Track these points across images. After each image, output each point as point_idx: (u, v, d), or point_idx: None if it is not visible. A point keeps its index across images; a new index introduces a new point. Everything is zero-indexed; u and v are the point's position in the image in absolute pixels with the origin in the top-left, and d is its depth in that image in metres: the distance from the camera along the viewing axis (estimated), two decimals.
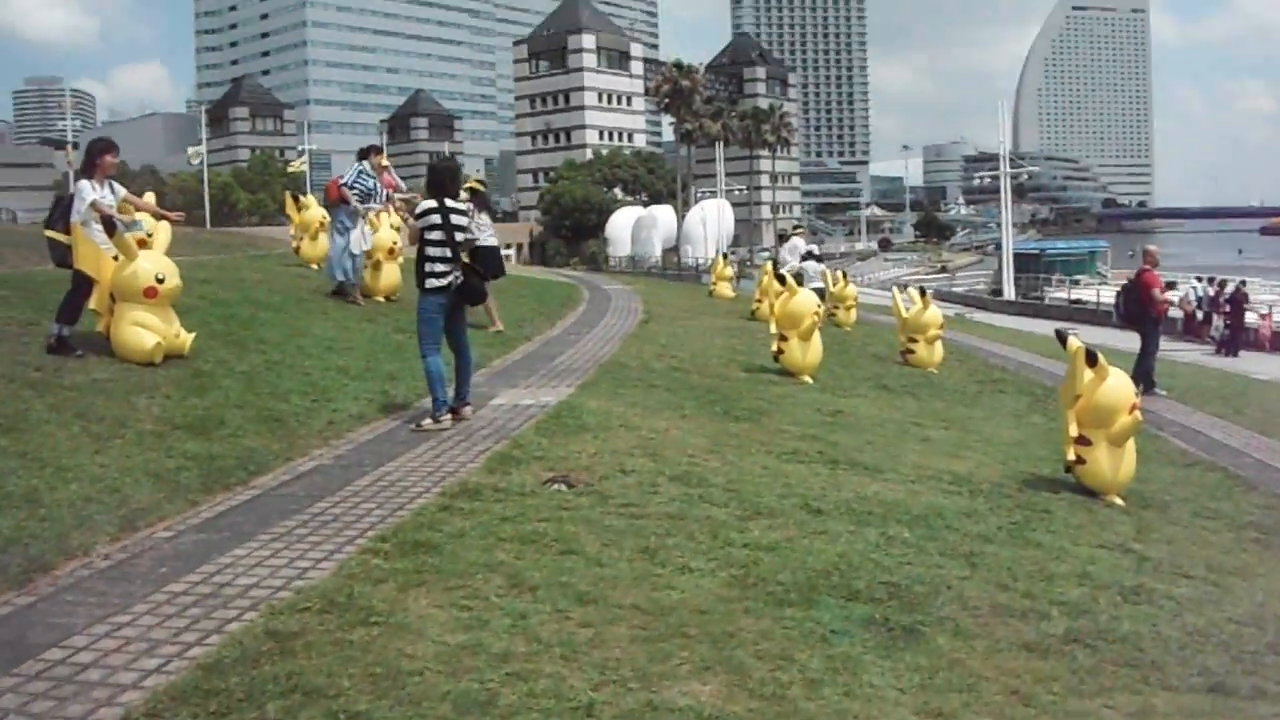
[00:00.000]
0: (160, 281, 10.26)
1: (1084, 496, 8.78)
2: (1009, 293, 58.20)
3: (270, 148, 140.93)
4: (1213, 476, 10.55)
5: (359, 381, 10.74)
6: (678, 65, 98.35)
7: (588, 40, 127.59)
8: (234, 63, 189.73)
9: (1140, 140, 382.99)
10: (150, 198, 14.68)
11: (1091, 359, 8.74)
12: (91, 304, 10.38)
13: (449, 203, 9.35)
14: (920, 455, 9.73)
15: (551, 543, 6.05)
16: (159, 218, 11.61)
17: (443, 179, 9.54)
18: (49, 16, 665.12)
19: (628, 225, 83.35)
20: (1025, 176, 75.51)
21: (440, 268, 9.19)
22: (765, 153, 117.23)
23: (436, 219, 9.22)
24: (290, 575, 5.52)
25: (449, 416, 9.30)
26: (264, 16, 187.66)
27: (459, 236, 9.29)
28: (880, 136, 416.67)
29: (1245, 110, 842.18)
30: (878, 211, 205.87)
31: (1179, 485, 9.92)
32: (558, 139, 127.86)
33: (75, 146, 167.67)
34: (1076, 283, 57.00)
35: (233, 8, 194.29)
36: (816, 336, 13.90)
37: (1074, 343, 9.02)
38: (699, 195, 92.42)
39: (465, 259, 9.40)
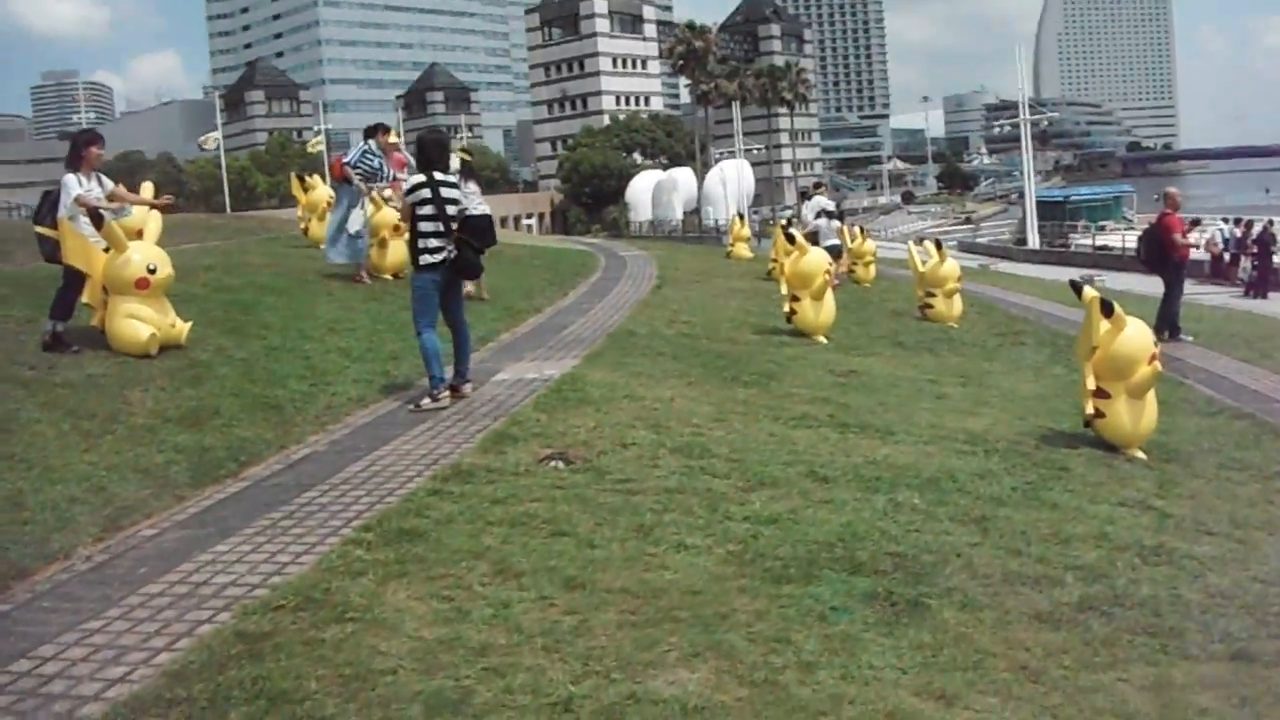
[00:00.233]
0: (152, 272, 10.08)
1: (1104, 451, 8.49)
2: (1033, 241, 57.50)
3: (287, 129, 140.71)
4: (1239, 425, 10.20)
5: (360, 363, 10.55)
6: (690, 26, 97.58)
7: (599, 5, 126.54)
8: (247, 46, 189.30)
9: (1163, 81, 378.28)
10: (147, 188, 14.52)
11: (1107, 309, 8.43)
12: (84, 298, 10.21)
13: (439, 176, 9.11)
14: (935, 414, 9.46)
15: (542, 525, 5.86)
16: (152, 208, 11.37)
17: (431, 152, 9.30)
18: (60, 10, 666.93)
19: (648, 189, 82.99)
20: (1045, 123, 74.51)
21: (434, 243, 8.98)
22: (783, 111, 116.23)
23: (427, 193, 8.99)
24: (269, 571, 5.35)
25: (447, 394, 9.10)
26: None
27: (451, 210, 9.06)
28: (900, 89, 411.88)
29: (1270, 46, 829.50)
30: (899, 165, 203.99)
31: (1204, 435, 9.61)
32: (574, 106, 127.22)
33: None
34: (1102, 229, 56.29)
35: None
36: (829, 295, 13.62)
37: (1089, 292, 8.70)
38: (718, 156, 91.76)
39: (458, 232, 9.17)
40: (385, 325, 12.61)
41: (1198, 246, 23.42)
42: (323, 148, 78.50)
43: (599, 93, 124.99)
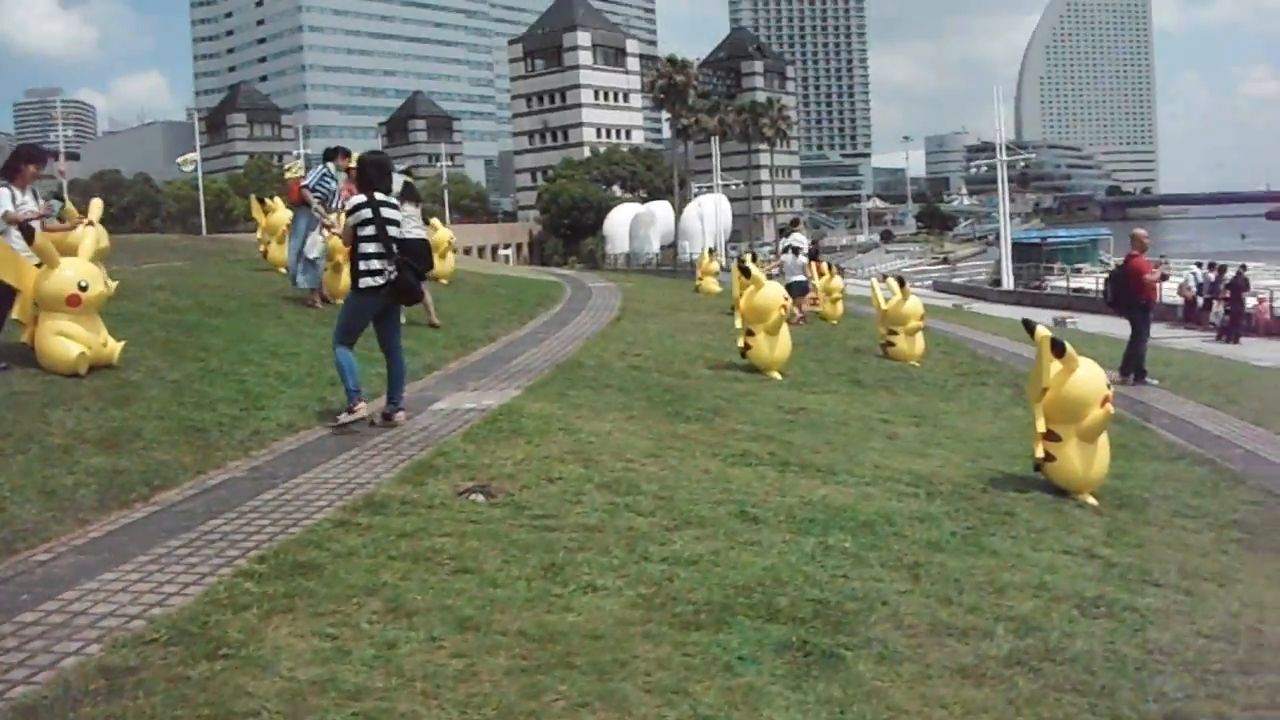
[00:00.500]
0: (83, 289, 9.75)
1: (1054, 496, 8.21)
2: (1008, 282, 57.60)
3: (268, 153, 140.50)
4: (1198, 471, 10.00)
5: (297, 388, 10.23)
6: (671, 60, 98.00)
7: (583, 38, 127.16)
8: (231, 69, 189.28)
9: (1144, 127, 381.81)
10: (96, 205, 14.22)
11: (1059, 349, 8.17)
12: (14, 314, 9.89)
13: (380, 197, 8.87)
14: (881, 455, 9.17)
15: (447, 560, 5.55)
16: (71, 228, 11.13)
17: (371, 173, 9.08)
18: (48, 28, 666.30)
19: (625, 222, 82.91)
20: (1022, 164, 74.81)
21: (375, 264, 8.74)
22: (764, 147, 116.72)
23: (368, 213, 8.77)
24: (151, 602, 5.02)
25: (363, 405, 8.91)
26: (260, 22, 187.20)
27: (393, 231, 8.81)
28: (883, 128, 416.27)
29: (1250, 94, 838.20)
30: (879, 203, 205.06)
31: (1160, 481, 9.37)
32: (555, 138, 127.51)
33: (76, 158, 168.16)
34: (1078, 271, 56.43)
35: (229, 14, 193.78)
36: (785, 331, 13.35)
37: (1041, 331, 8.43)
38: (697, 191, 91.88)
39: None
40: (330, 351, 12.26)
41: (1165, 277, 23.25)
42: (301, 173, 78.31)
43: (580, 125, 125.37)
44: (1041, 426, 8.30)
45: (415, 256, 13.91)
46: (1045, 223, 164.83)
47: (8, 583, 5.41)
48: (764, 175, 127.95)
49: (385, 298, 8.82)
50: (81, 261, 10.17)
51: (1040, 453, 8.32)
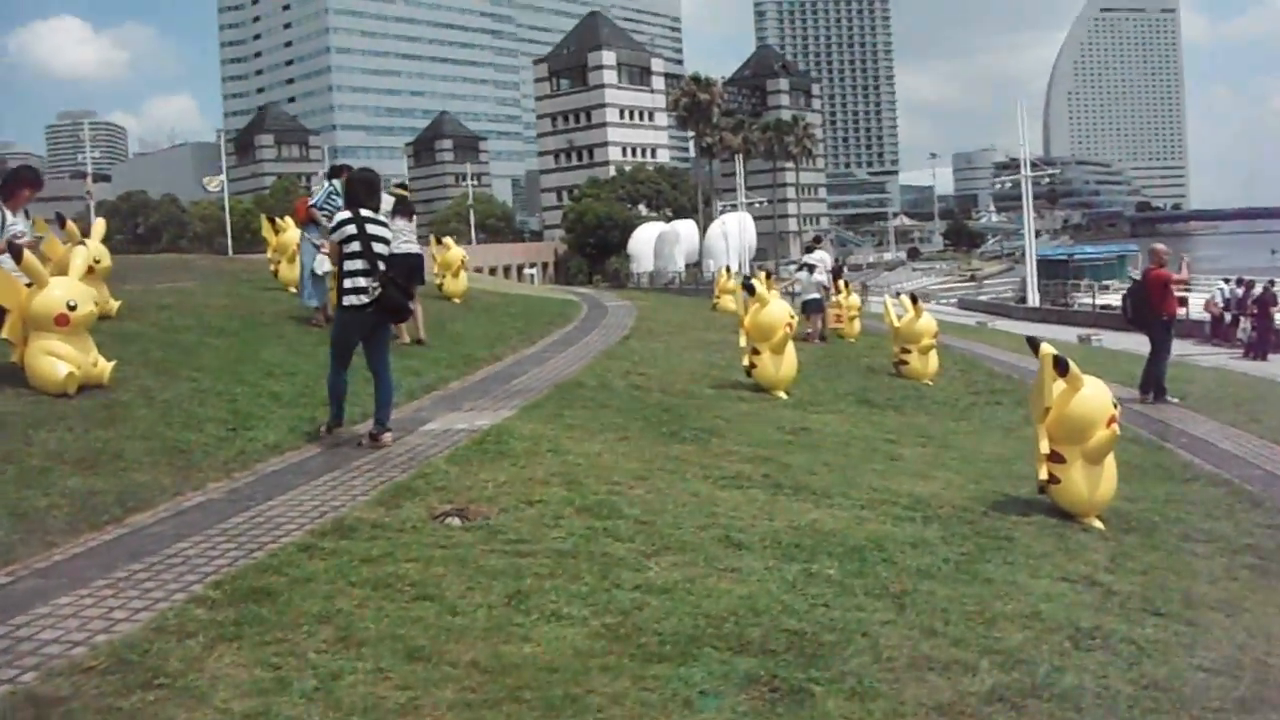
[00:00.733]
0: (72, 309, 9.64)
1: (1058, 520, 7.90)
2: (1033, 299, 57.05)
3: (295, 174, 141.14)
4: (1214, 492, 9.66)
5: (289, 408, 10.06)
6: (695, 79, 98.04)
7: (608, 57, 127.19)
8: (260, 91, 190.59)
9: (1173, 142, 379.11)
10: (99, 225, 14.17)
11: (1062, 367, 7.87)
12: (4, 333, 9.78)
13: (365, 213, 8.72)
14: (881, 476, 8.89)
15: (408, 587, 5.35)
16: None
17: (358, 190, 8.95)
18: (80, 52, 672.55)
19: (650, 241, 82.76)
20: (1047, 180, 74.32)
21: (361, 282, 8.62)
22: (790, 165, 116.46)
23: (352, 229, 8.65)
24: (99, 628, 4.85)
25: (336, 430, 8.99)
26: (288, 44, 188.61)
27: (378, 248, 8.66)
28: (910, 146, 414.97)
29: None
30: (906, 221, 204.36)
31: (1172, 503, 9.03)
32: (580, 157, 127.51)
33: (107, 179, 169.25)
34: (1105, 288, 55.79)
35: (257, 36, 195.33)
36: (790, 349, 13.09)
37: (1045, 349, 8.13)
38: (722, 209, 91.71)
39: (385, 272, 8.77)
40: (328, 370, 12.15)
41: (1187, 283, 22.75)
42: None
43: (605, 144, 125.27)
44: (1045, 447, 8.01)
45: (406, 272, 13.88)
46: (1074, 239, 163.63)
47: None
48: (790, 193, 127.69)
49: (372, 315, 8.67)
50: (71, 281, 10.07)
51: (1044, 475, 8.03)
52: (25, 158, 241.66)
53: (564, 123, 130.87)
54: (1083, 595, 6.11)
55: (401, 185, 15.76)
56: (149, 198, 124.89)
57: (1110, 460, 8.12)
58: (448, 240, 22.04)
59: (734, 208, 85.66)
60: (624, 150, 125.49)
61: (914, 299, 16.72)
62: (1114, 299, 48.73)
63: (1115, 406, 8.05)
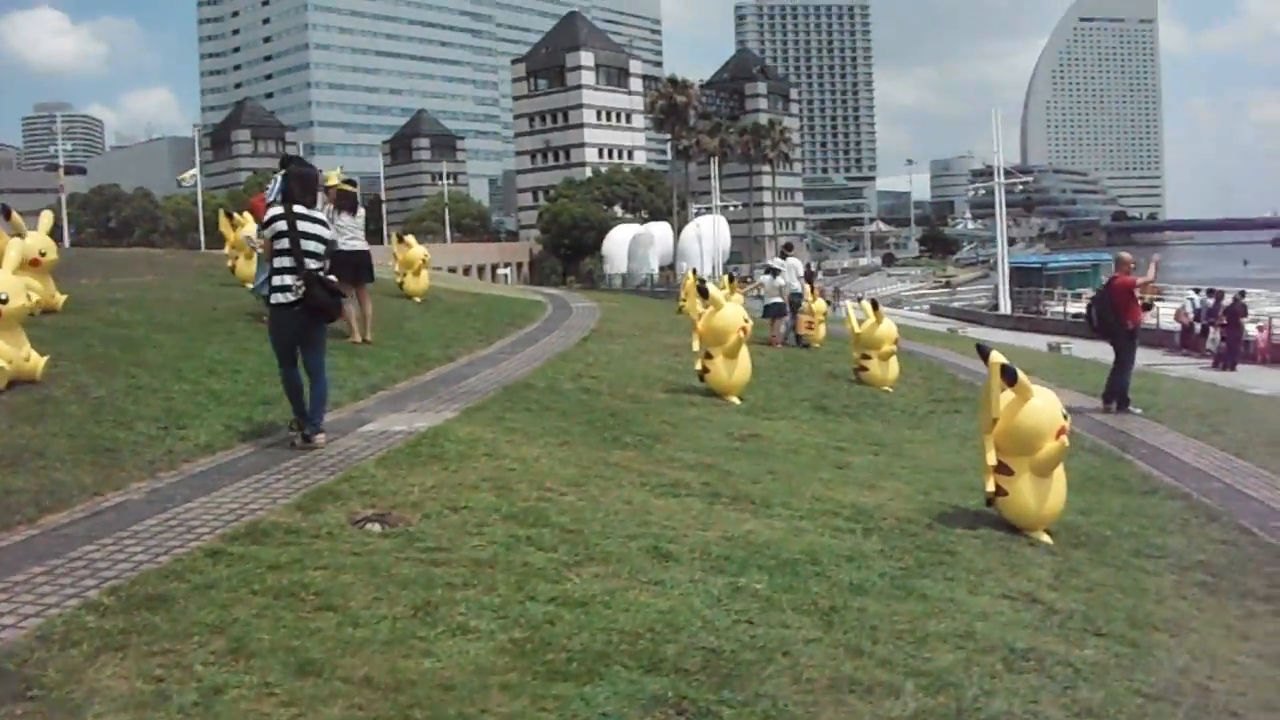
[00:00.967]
0: (3, 302, 9.36)
1: (1006, 534, 7.68)
2: (1005, 307, 57.09)
3: (271, 170, 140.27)
4: (1171, 506, 9.44)
5: (228, 407, 9.78)
6: (672, 81, 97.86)
7: (586, 58, 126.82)
8: (238, 86, 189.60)
9: (1150, 152, 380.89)
10: (46, 217, 13.83)
11: (1010, 376, 7.66)
12: None
13: (298, 210, 8.45)
14: (827, 486, 8.66)
15: (312, 596, 5.10)
16: None
17: (292, 185, 8.68)
18: (58, 43, 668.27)
19: (624, 242, 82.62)
20: (1020, 188, 74.34)
21: (287, 280, 8.35)
22: (766, 169, 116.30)
23: (282, 226, 8.38)
24: None
25: (321, 435, 8.65)
26: (267, 39, 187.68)
27: (308, 245, 8.39)
28: (889, 152, 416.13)
29: (1259, 120, 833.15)
30: (882, 227, 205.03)
31: (1126, 517, 8.81)
32: (557, 157, 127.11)
33: (83, 172, 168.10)
34: (1078, 296, 55.82)
35: (236, 31, 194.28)
36: (745, 354, 12.85)
37: (994, 358, 7.90)
38: (698, 211, 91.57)
39: (318, 270, 8.50)
40: (273, 368, 11.83)
41: (1159, 293, 22.61)
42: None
43: (582, 145, 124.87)
44: (992, 459, 7.79)
45: (351, 269, 13.60)
46: (1050, 248, 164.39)
47: None
48: (766, 197, 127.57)
49: (300, 314, 8.38)
50: (3, 274, 9.79)
51: (991, 487, 7.81)
52: (3, 150, 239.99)
53: (541, 123, 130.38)
54: (1022, 613, 5.89)
55: (349, 181, 15.38)
56: (121, 191, 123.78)
57: (1060, 472, 7.91)
58: (409, 239, 21.75)
59: (709, 210, 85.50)
60: (601, 151, 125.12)
61: (874, 304, 16.51)
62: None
63: (1065, 418, 7.85)
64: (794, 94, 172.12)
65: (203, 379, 10.76)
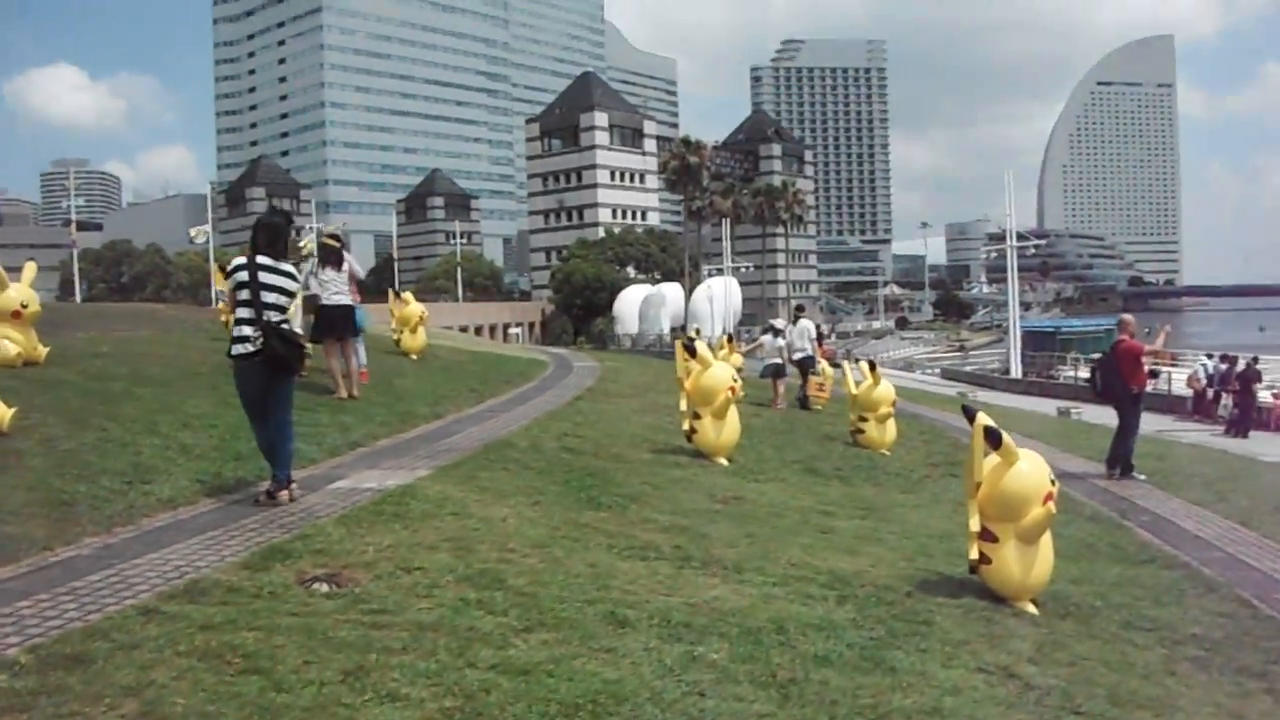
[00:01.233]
0: None
1: (989, 603, 7.34)
2: (1016, 371, 56.67)
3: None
4: (1168, 575, 9.09)
5: (198, 461, 9.56)
6: (685, 141, 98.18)
7: (600, 118, 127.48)
8: (253, 144, 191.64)
9: (1168, 217, 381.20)
10: (30, 268, 13.72)
11: (995, 439, 7.37)
12: None
13: (262, 260, 8.26)
14: (806, 551, 8.34)
15: (239, 659, 4.83)
16: None
17: (258, 236, 8.51)
18: (77, 99, 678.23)
19: (636, 303, 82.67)
20: (1032, 251, 74.09)
21: (245, 331, 8.14)
22: (780, 230, 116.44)
23: (243, 276, 8.19)
24: None
25: (285, 492, 8.38)
26: (283, 98, 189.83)
27: (267, 298, 8.18)
28: (905, 215, 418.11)
29: (1278, 185, 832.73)
30: (896, 290, 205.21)
31: (1120, 587, 8.48)
32: (570, 217, 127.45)
33: (99, 227, 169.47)
34: (1091, 361, 55.40)
35: (252, 89, 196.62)
36: (733, 414, 12.58)
37: (979, 420, 7.61)
38: (709, 273, 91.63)
39: (279, 322, 8.29)
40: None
41: (1174, 359, 22.25)
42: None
43: (595, 205, 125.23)
44: (975, 525, 7.46)
45: (330, 322, 13.45)
46: (1065, 312, 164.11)
47: None
48: (780, 259, 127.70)
49: (262, 366, 8.17)
50: None
51: (974, 554, 7.48)
52: (19, 205, 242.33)
53: (554, 183, 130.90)
54: (996, 689, 5.57)
55: (333, 236, 15.28)
56: (133, 247, 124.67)
57: (1047, 540, 7.59)
58: (406, 295, 21.63)
59: (721, 272, 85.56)
60: (614, 212, 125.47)
61: (872, 365, 16.24)
62: None
63: (1053, 482, 7.54)
64: (809, 156, 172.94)
65: (176, 433, 10.55)
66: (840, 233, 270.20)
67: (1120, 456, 14.79)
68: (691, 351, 12.78)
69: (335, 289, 13.97)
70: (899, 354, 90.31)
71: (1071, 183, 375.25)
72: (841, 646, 5.83)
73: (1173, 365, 42.31)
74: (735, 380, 12.58)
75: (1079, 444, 18.22)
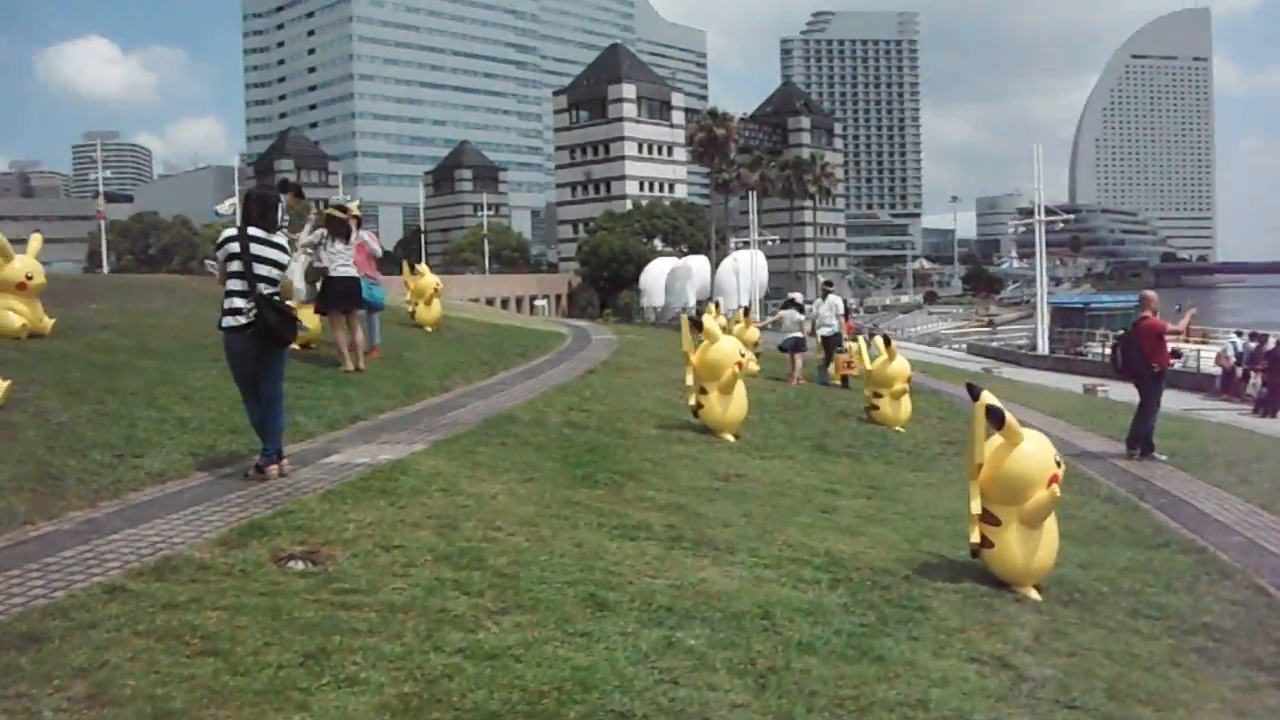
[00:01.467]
0: None
1: (990, 588, 7.11)
2: (1043, 347, 56.07)
3: (313, 199, 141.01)
4: (1182, 560, 8.80)
5: (193, 435, 9.45)
6: (712, 114, 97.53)
7: (628, 90, 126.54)
8: (282, 116, 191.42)
9: (1202, 192, 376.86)
10: (35, 240, 13.63)
11: (997, 419, 7.12)
12: None
13: (253, 232, 8.10)
14: (804, 531, 8.12)
15: (197, 639, 4.71)
16: None
17: (250, 207, 8.36)
18: (109, 72, 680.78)
19: (662, 276, 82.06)
20: (1061, 225, 73.28)
21: (238, 303, 8.00)
22: (808, 204, 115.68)
23: (235, 248, 8.03)
24: None
25: (275, 467, 8.27)
26: (312, 70, 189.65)
27: (262, 270, 8.03)
28: (935, 189, 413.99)
29: None
30: (926, 264, 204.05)
31: (1131, 572, 8.21)
32: (597, 190, 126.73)
33: (130, 199, 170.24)
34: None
35: (281, 61, 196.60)
36: (740, 390, 12.35)
37: (982, 399, 7.34)
38: (736, 246, 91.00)
39: (271, 294, 8.14)
40: None
41: (1184, 335, 21.79)
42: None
43: (623, 177, 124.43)
44: (977, 508, 7.22)
45: (339, 294, 13.34)
46: (1097, 288, 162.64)
47: None
48: (808, 232, 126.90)
49: (254, 338, 8.02)
50: None
51: (975, 537, 7.24)
52: (51, 177, 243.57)
53: (582, 155, 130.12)
54: (988, 680, 5.34)
55: (340, 207, 14.95)
56: (160, 219, 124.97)
57: (1052, 523, 7.35)
58: (421, 267, 21.49)
59: (746, 245, 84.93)
60: (642, 184, 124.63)
61: (887, 340, 15.96)
62: None
63: (1059, 464, 7.29)
64: (839, 129, 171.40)
65: (173, 405, 10.45)
66: (870, 206, 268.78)
67: (1141, 436, 14.49)
68: (698, 325, 12.57)
69: (343, 261, 13.82)
70: (926, 329, 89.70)
71: (1104, 157, 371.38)
72: (828, 633, 5.62)
73: (1202, 343, 41.67)
74: (743, 354, 12.36)
75: (1101, 422, 17.90)
